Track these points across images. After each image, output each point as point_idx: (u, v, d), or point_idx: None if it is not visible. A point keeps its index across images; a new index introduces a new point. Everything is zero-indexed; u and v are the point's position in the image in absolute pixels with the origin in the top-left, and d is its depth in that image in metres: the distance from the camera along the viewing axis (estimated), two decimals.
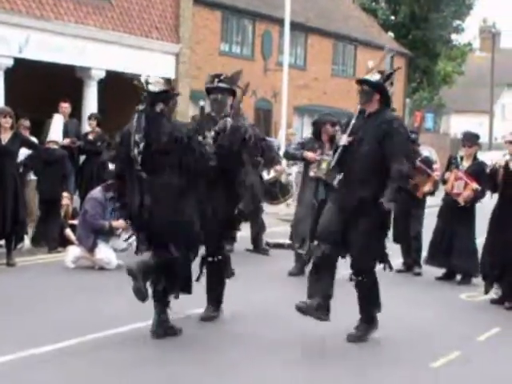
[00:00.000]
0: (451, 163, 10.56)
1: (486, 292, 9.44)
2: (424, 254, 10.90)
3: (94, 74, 17.03)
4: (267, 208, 13.38)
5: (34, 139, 11.85)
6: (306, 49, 27.71)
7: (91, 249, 10.46)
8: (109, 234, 10.58)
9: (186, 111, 19.26)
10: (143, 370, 6.20)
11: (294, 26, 22.82)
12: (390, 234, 7.65)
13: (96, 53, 16.84)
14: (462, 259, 10.37)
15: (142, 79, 6.94)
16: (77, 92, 16.68)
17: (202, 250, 7.52)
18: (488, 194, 9.90)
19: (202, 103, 7.38)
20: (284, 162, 13.44)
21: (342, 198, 7.07)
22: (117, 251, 10.51)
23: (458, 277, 10.60)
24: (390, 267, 7.38)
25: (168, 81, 7.09)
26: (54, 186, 11.75)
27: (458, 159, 10.54)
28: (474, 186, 10.06)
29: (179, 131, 6.85)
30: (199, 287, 7.57)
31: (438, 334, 7.79)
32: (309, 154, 10.16)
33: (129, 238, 8.17)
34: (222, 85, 7.66)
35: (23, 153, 11.12)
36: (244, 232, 11.35)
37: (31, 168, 11.90)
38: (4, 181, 10.36)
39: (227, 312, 7.88)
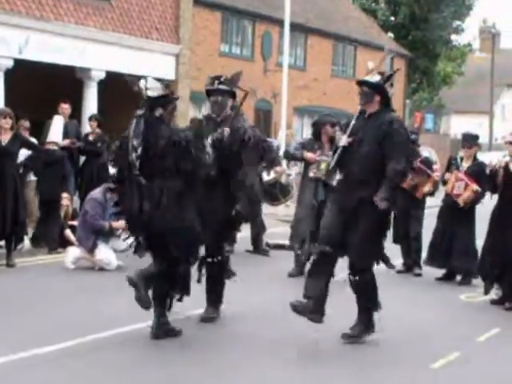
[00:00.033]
0: (451, 164, 10.56)
1: (486, 293, 9.44)
2: (424, 254, 10.90)
3: (93, 75, 17.03)
4: (266, 209, 13.38)
5: (33, 140, 11.86)
6: (306, 49, 27.71)
7: (91, 249, 10.47)
8: (109, 234, 10.59)
9: (186, 112, 19.26)
10: (143, 371, 6.20)
11: (294, 27, 22.82)
12: (390, 234, 7.66)
13: (96, 54, 16.84)
14: (461, 260, 10.37)
15: (141, 84, 6.95)
16: (77, 93, 16.68)
17: (201, 251, 7.53)
18: (488, 194, 9.91)
19: (201, 116, 7.35)
20: (284, 162, 13.44)
21: (341, 199, 7.08)
22: (117, 252, 10.52)
23: (458, 277, 10.60)
24: (391, 266, 7.38)
25: (167, 85, 7.08)
26: (53, 187, 11.76)
27: (458, 160, 10.55)
28: (475, 187, 10.06)
29: (177, 135, 6.86)
30: (199, 288, 7.58)
31: (437, 334, 7.79)
32: (308, 155, 10.18)
33: (128, 237, 8.17)
34: (222, 87, 7.67)
35: (23, 154, 11.13)
36: (244, 233, 11.34)
37: (31, 169, 11.91)
38: (4, 181, 10.37)
39: (227, 313, 7.89)
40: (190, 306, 7.53)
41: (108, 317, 7.71)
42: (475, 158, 10.44)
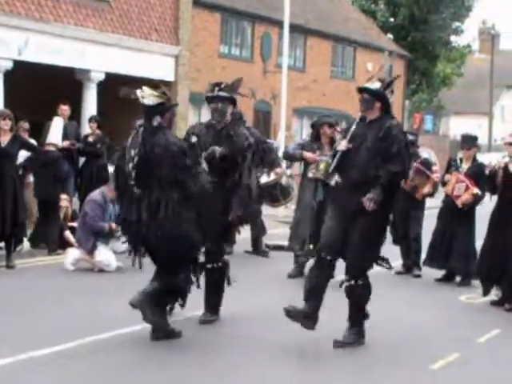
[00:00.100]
0: (451, 165, 10.56)
1: (485, 294, 9.43)
2: (423, 255, 10.90)
3: (93, 77, 17.04)
4: (266, 210, 13.37)
5: (33, 141, 11.86)
6: (306, 51, 27.72)
7: (91, 251, 10.47)
8: (108, 236, 10.58)
9: (185, 113, 19.28)
10: (143, 372, 6.20)
11: (294, 28, 22.84)
12: (390, 235, 7.65)
13: (95, 55, 16.85)
14: (461, 261, 10.37)
15: (138, 94, 6.96)
16: (76, 94, 16.68)
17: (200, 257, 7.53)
18: (487, 195, 9.91)
19: (193, 140, 7.32)
20: (284, 164, 13.43)
21: (341, 204, 7.09)
22: (116, 253, 10.52)
23: (458, 279, 10.60)
24: (389, 266, 7.39)
25: (163, 92, 7.06)
26: (47, 187, 11.72)
27: (458, 161, 10.56)
28: (475, 190, 10.06)
29: (174, 144, 6.85)
30: (199, 289, 7.56)
31: (437, 335, 7.79)
32: (308, 154, 10.18)
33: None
34: (222, 93, 7.66)
35: (22, 155, 11.12)
36: (243, 234, 11.32)
37: (30, 170, 11.90)
38: (3, 183, 10.36)
39: (227, 314, 7.89)
40: (189, 307, 7.52)
41: (108, 318, 7.71)
42: (474, 159, 10.45)
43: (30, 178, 12.33)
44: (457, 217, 10.34)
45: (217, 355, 6.75)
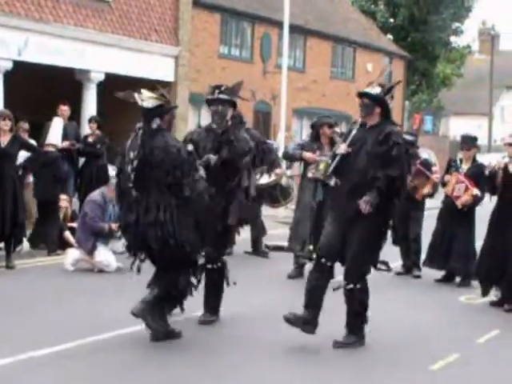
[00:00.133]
0: (451, 166, 10.57)
1: (484, 294, 9.43)
2: (423, 256, 10.90)
3: (93, 77, 17.04)
4: (266, 211, 13.38)
5: (32, 142, 11.86)
6: (305, 51, 27.71)
7: (90, 251, 10.47)
8: (108, 236, 10.59)
9: (185, 114, 19.29)
10: (143, 373, 6.20)
11: (293, 29, 22.84)
12: (390, 236, 7.64)
13: (95, 55, 16.85)
14: (461, 261, 10.37)
15: (136, 97, 6.95)
16: (76, 95, 16.69)
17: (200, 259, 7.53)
18: (487, 196, 9.91)
19: (190, 148, 7.30)
20: (284, 164, 13.44)
21: (340, 208, 7.09)
22: (116, 254, 10.52)
23: (458, 279, 10.60)
24: (388, 269, 7.38)
25: (162, 94, 7.06)
26: (47, 188, 11.72)
27: (458, 162, 10.56)
28: (475, 191, 10.07)
29: (173, 146, 6.85)
30: (199, 289, 7.55)
31: (436, 336, 7.79)
32: (308, 154, 10.19)
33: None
34: (222, 96, 7.65)
35: (22, 155, 11.13)
36: (243, 235, 11.32)
37: (30, 170, 11.90)
38: (3, 183, 10.36)
39: (226, 314, 7.89)
40: (189, 307, 7.52)
41: (107, 318, 7.70)
42: (474, 160, 10.46)
43: (30, 179, 12.33)
44: (457, 217, 10.35)
45: (217, 355, 6.76)
